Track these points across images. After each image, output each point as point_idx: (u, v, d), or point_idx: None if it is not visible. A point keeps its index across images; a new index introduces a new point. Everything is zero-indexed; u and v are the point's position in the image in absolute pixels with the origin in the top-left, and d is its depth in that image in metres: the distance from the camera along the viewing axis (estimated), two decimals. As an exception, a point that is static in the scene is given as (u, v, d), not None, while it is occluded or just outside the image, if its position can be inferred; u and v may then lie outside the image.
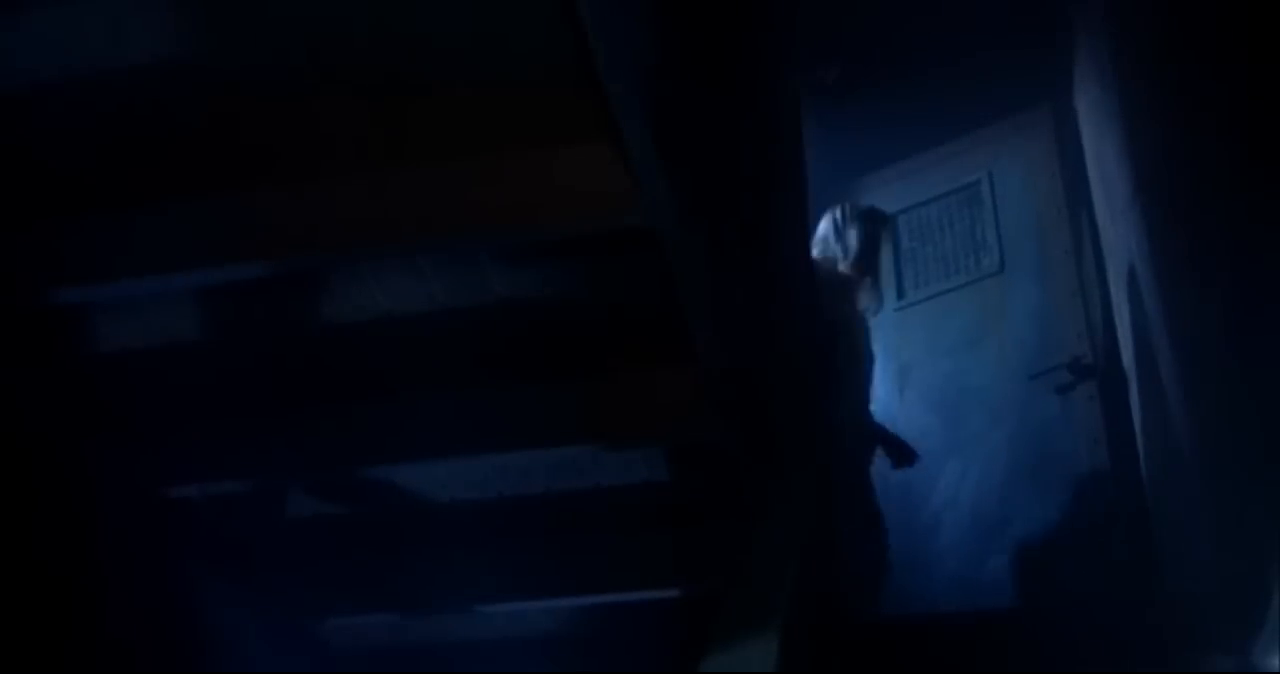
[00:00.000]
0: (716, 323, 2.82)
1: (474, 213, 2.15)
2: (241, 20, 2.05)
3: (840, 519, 3.82)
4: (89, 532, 2.92)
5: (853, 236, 4.68)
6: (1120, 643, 3.69)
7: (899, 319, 5.68)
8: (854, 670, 3.58)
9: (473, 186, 2.13)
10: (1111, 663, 3.59)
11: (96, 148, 2.22)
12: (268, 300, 2.63)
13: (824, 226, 4.81)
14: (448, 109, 2.12)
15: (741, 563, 2.37)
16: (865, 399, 4.57)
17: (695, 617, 2.66)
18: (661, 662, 3.22)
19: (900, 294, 5.77)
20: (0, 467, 2.68)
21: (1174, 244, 3.76)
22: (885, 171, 6.01)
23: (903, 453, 4.55)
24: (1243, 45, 2.71)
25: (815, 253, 4.74)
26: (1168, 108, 3.64)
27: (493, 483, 3.08)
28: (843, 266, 4.73)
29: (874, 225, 4.71)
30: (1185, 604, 3.88)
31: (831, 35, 5.42)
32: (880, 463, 4.81)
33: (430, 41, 2.05)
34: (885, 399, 5.21)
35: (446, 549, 3.24)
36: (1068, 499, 4.88)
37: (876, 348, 4.85)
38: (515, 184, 2.11)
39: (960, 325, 5.53)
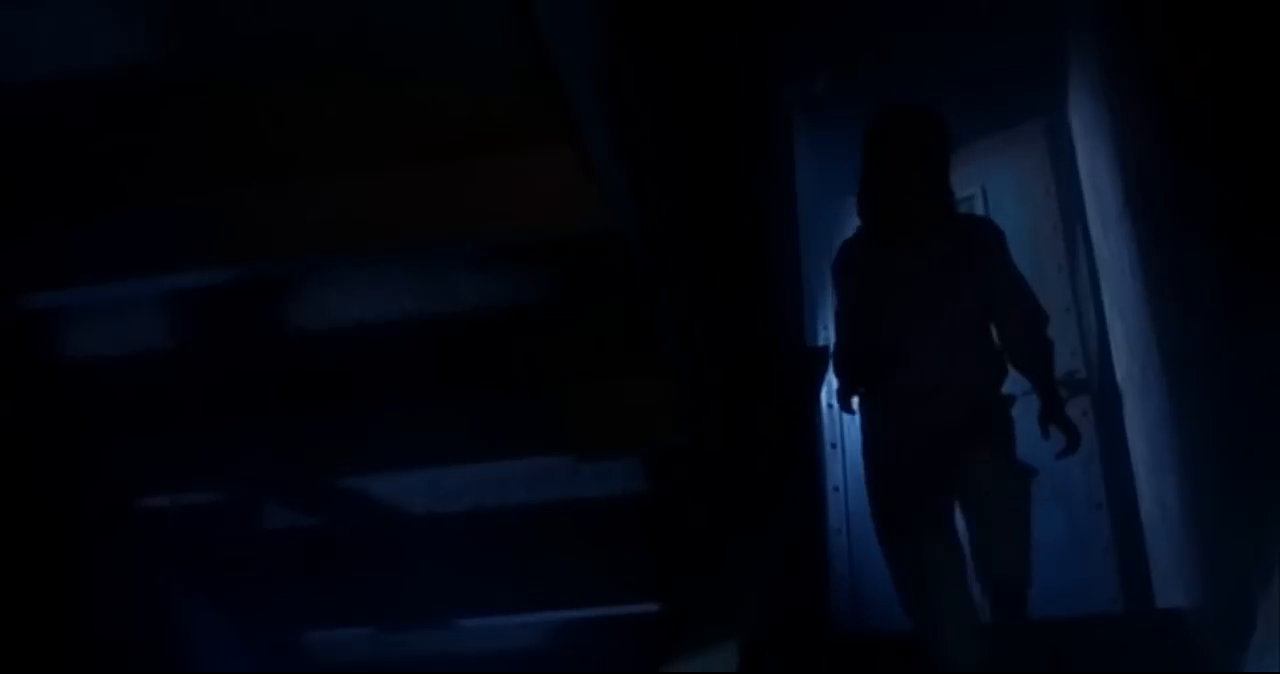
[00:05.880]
0: (689, 330, 2.80)
1: (436, 217, 2.13)
2: (207, 20, 2.03)
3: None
4: (65, 543, 2.90)
5: None
6: (1113, 657, 3.66)
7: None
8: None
9: (435, 190, 2.11)
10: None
11: (64, 151, 2.21)
12: (238, 310, 2.61)
13: None
14: (410, 114, 2.10)
15: (708, 575, 2.34)
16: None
17: (675, 631, 2.63)
18: (643, 677, 3.19)
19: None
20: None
21: (1162, 259, 3.74)
22: (879, 186, 5.97)
23: (1073, 439, 3.74)
24: (1230, 61, 2.69)
25: None
26: (1155, 123, 3.63)
27: (468, 495, 3.05)
28: None
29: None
30: (1178, 619, 3.86)
31: (821, 47, 5.39)
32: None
33: (391, 46, 2.04)
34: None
35: (423, 562, 3.21)
36: (1060, 515, 4.84)
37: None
38: (476, 187, 2.08)
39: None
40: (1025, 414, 4.77)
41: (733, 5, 4.09)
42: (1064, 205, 5.42)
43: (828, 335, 5.62)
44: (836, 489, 5.34)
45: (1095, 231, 5.09)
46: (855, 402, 3.78)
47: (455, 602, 3.24)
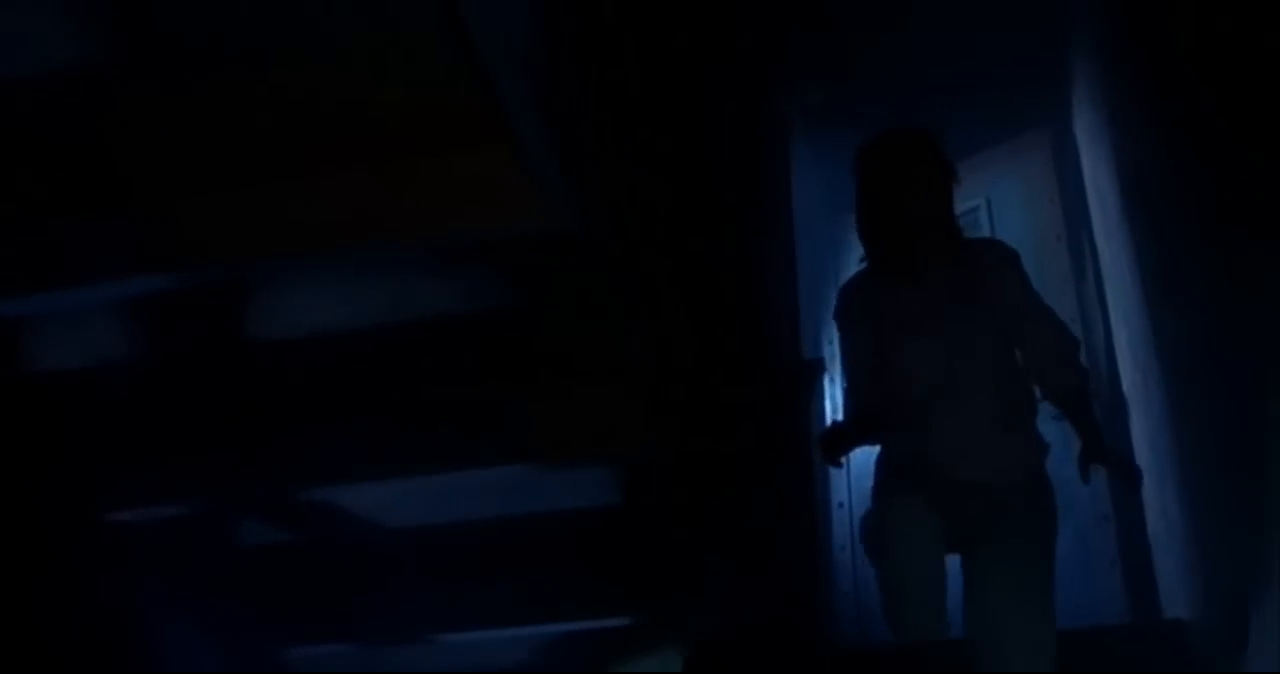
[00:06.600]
0: (662, 340, 2.77)
1: (376, 220, 2.11)
2: (140, 24, 2.02)
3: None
4: (39, 560, 2.88)
5: None
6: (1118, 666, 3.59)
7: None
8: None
9: (374, 193, 2.09)
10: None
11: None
12: (200, 323, 2.60)
13: None
14: (347, 117, 2.08)
15: (670, 584, 2.30)
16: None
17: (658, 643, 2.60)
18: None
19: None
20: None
21: (1158, 266, 3.70)
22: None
23: (1132, 476, 3.33)
24: (1226, 68, 2.64)
25: None
26: (1150, 130, 3.59)
27: (443, 508, 3.01)
28: None
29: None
30: (1183, 628, 3.80)
31: (821, 57, 5.36)
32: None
33: (327, 50, 2.02)
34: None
35: (400, 577, 3.18)
36: (1067, 528, 4.76)
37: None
38: (414, 189, 2.07)
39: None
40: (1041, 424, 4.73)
41: (722, 11, 4.08)
42: (1069, 214, 5.37)
43: (832, 350, 5.57)
44: (841, 505, 5.27)
45: (1100, 240, 5.03)
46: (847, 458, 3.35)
47: (433, 617, 3.21)
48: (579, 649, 3.23)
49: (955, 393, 3.05)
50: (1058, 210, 5.39)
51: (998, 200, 5.58)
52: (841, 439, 3.24)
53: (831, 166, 5.65)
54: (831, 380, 4.99)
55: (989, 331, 3.12)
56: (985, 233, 5.52)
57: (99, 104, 2.09)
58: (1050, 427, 4.78)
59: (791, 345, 4.46)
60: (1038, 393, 3.26)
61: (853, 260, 3.54)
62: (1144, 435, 4.44)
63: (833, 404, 5.28)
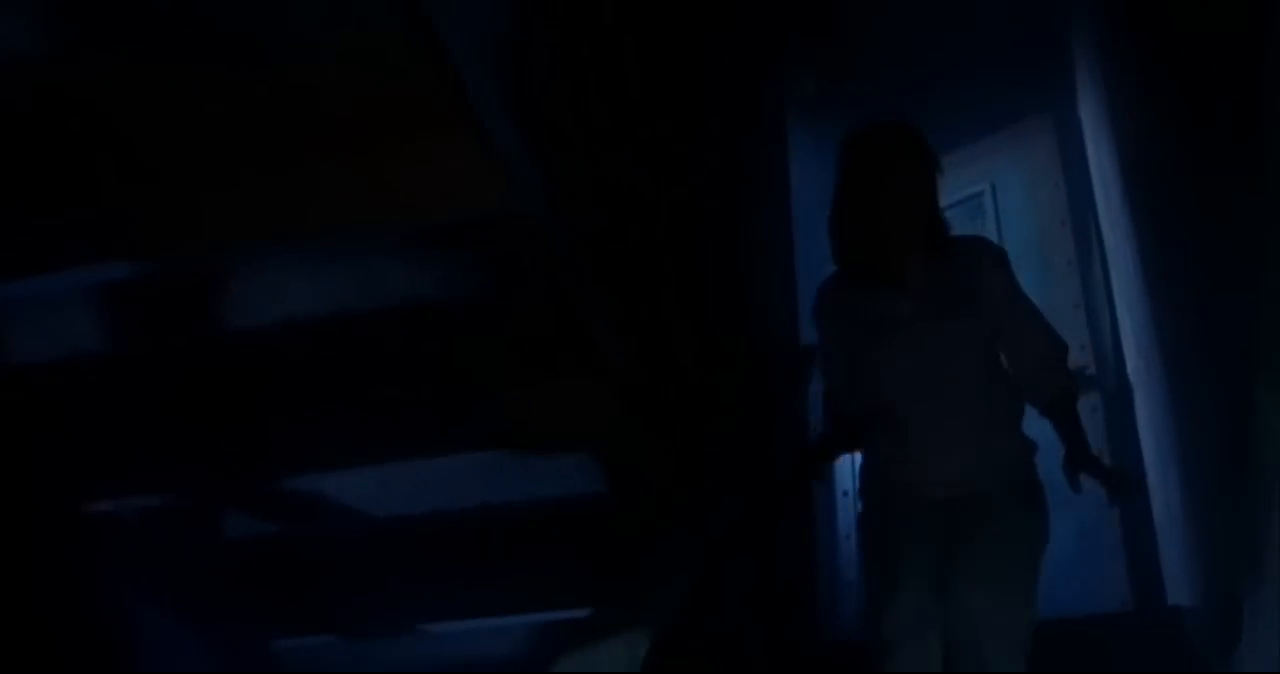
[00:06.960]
0: (641, 328, 2.75)
1: (338, 208, 2.09)
2: (108, 11, 2.01)
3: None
4: (17, 552, 2.88)
5: None
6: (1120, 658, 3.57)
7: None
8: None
9: (347, 184, 2.07)
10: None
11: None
12: (172, 312, 2.58)
13: None
14: (315, 103, 2.06)
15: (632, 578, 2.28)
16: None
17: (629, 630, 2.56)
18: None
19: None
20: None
21: (1157, 251, 3.67)
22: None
23: (1124, 483, 3.20)
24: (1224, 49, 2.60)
25: None
26: (1148, 114, 3.56)
27: (426, 497, 2.99)
28: None
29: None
30: (1180, 615, 3.78)
31: (820, 45, 5.34)
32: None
33: (290, 36, 2.00)
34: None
35: (387, 567, 3.17)
36: (1070, 514, 4.72)
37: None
38: (375, 176, 2.04)
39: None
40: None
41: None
42: (1073, 199, 5.34)
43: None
44: (845, 494, 5.26)
45: (1105, 225, 5.00)
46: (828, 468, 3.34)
47: (420, 607, 3.19)
48: (569, 638, 3.21)
49: (938, 398, 2.95)
50: (1062, 195, 5.37)
51: (1002, 185, 5.56)
52: (822, 451, 3.23)
53: (832, 156, 5.63)
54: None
55: (973, 333, 3.00)
56: (990, 218, 5.51)
57: (69, 97, 2.08)
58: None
59: (790, 334, 4.44)
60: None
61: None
62: (1148, 422, 4.41)
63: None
